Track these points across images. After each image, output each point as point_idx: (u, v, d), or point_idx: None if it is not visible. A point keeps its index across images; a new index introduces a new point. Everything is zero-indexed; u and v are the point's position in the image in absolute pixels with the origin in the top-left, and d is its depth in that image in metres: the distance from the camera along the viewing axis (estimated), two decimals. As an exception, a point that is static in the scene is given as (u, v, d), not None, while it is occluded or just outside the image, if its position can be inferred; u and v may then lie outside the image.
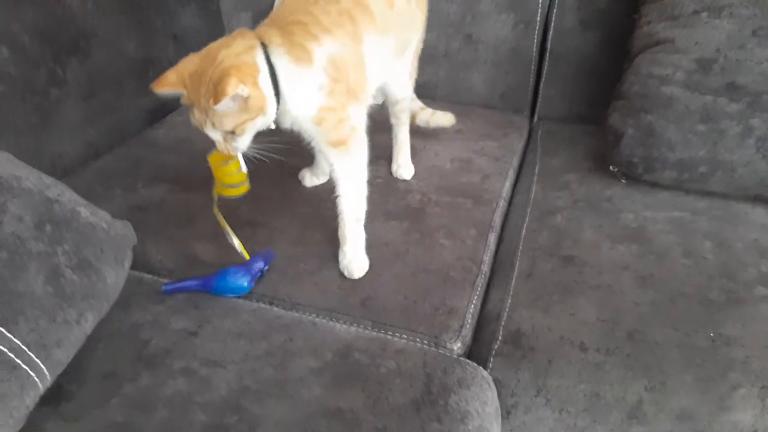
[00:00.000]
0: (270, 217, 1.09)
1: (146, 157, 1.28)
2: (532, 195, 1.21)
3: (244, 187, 0.97)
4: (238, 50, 0.86)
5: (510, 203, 1.23)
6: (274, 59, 0.88)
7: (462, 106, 1.52)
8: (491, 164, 1.30)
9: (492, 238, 1.09)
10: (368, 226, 1.06)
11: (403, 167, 1.22)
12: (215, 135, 0.89)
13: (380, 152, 1.28)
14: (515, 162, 1.34)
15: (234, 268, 0.93)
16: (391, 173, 1.23)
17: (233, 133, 0.87)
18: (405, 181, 1.22)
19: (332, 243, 1.01)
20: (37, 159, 1.17)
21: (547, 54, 1.50)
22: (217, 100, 0.80)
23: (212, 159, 0.95)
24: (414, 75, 1.20)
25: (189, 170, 1.21)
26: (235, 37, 0.89)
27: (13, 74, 1.12)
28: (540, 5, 1.46)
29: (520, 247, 1.06)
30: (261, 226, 1.07)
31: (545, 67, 1.51)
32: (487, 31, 1.51)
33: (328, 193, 1.11)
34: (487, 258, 1.04)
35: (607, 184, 1.20)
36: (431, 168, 1.26)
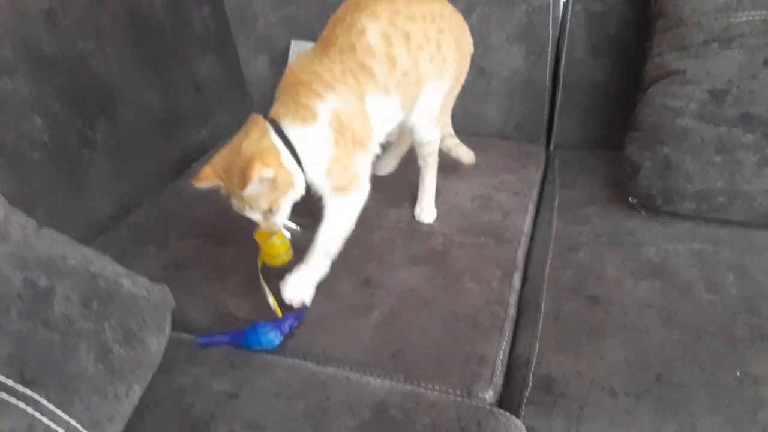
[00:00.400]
0: (299, 269, 1.12)
1: (176, 210, 1.32)
2: (554, 230, 1.23)
3: (288, 256, 1.05)
4: (256, 138, 0.95)
5: (532, 238, 1.25)
6: (287, 132, 0.97)
7: (479, 137, 1.55)
8: (511, 199, 1.32)
9: (516, 278, 1.11)
10: (394, 273, 1.10)
11: (426, 211, 1.25)
12: (255, 216, 0.97)
13: (402, 195, 1.31)
14: (534, 195, 1.36)
15: (264, 323, 0.97)
16: (413, 216, 1.26)
17: (270, 210, 0.94)
18: (427, 223, 1.25)
19: (360, 294, 1.05)
20: (74, 220, 1.22)
21: (560, 83, 1.53)
22: (243, 186, 0.89)
23: (258, 237, 1.03)
24: (442, 119, 1.23)
25: (218, 223, 1.24)
26: (250, 126, 0.97)
27: (46, 141, 1.17)
28: (551, 36, 1.49)
29: (545, 287, 1.08)
30: (291, 278, 1.10)
31: (559, 97, 1.54)
32: (500, 63, 1.54)
33: (355, 240, 1.15)
34: (513, 300, 1.06)
35: (626, 216, 1.22)
36: (453, 208, 1.28)
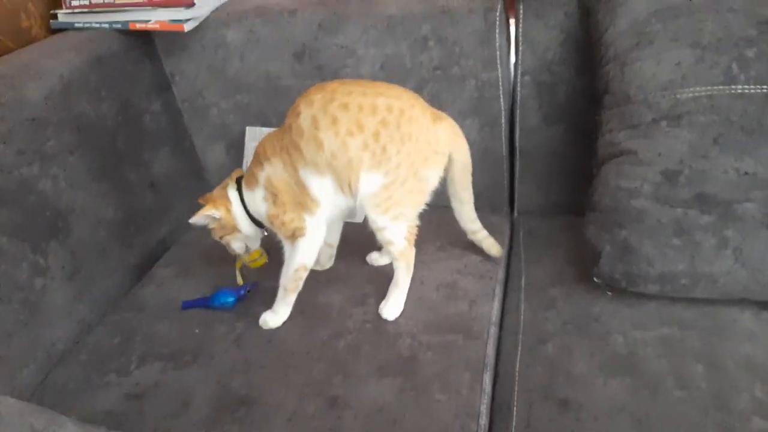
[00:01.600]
0: (263, 391, 1.09)
1: (137, 327, 1.28)
2: (522, 317, 1.21)
3: (263, 259, 1.39)
4: (222, 186, 1.29)
5: (501, 326, 1.24)
6: (244, 191, 1.26)
7: (443, 209, 1.53)
8: (477, 284, 1.30)
9: (487, 379, 1.09)
10: (362, 388, 1.07)
11: (388, 307, 1.23)
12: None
13: (367, 291, 1.30)
14: (500, 275, 1.35)
15: (225, 289, 1.33)
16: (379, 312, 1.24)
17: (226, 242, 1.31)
18: (393, 321, 1.22)
19: (327, 418, 1.02)
20: (31, 354, 1.19)
21: (517, 152, 1.52)
22: (192, 217, 1.23)
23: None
24: (393, 209, 1.18)
25: (181, 340, 1.22)
26: (228, 178, 1.30)
27: (-5, 278, 1.14)
28: (502, 108, 1.48)
29: (516, 389, 1.06)
30: (255, 402, 1.06)
31: (517, 165, 1.54)
32: (456, 136, 1.53)
33: (320, 350, 1.13)
34: (485, 407, 1.04)
35: (593, 298, 1.21)
36: (419, 301, 1.26)
